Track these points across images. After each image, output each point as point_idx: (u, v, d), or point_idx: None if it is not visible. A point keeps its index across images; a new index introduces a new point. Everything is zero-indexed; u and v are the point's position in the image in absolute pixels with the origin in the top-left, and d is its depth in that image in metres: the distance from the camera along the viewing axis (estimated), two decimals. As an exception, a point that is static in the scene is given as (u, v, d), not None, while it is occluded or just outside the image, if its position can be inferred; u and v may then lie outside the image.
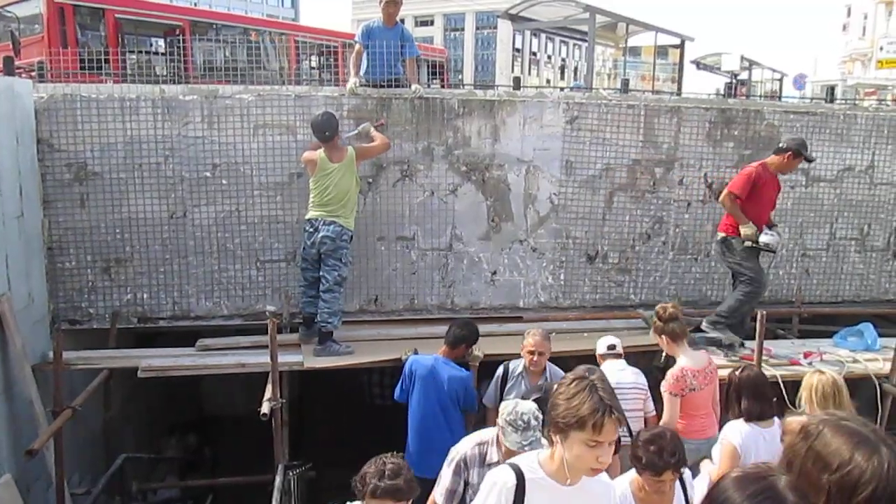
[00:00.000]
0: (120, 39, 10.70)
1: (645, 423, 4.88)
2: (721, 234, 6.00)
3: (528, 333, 5.15)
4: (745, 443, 3.99)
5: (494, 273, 6.71)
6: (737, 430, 4.06)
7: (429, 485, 4.67)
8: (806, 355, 6.04)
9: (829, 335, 6.60)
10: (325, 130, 5.69)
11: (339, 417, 8.61)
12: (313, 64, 12.66)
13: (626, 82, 8.66)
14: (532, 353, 5.00)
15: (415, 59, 6.71)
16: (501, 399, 5.05)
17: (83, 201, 6.01)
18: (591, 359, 6.47)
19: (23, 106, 5.62)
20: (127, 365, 5.78)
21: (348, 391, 8.25)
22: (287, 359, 5.55)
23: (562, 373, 5.22)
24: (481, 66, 54.70)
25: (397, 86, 6.43)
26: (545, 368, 5.12)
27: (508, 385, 5.19)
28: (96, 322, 6.21)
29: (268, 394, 4.92)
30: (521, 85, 7.98)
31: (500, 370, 5.30)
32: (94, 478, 5.92)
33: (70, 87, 5.99)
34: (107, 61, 7.38)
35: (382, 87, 6.38)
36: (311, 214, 5.77)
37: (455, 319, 5.83)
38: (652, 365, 5.80)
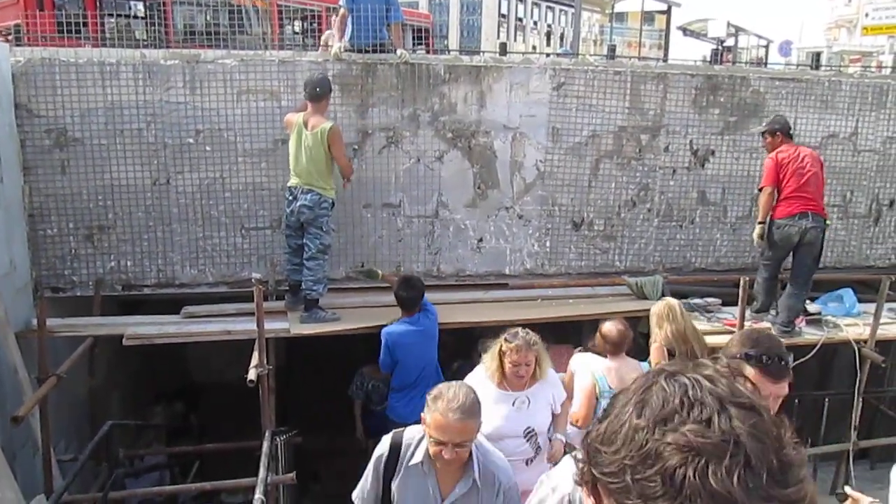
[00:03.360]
0: (98, 2, 10.48)
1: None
2: (827, 221, 5.84)
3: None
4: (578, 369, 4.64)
5: (480, 240, 6.72)
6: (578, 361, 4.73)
7: None
8: (788, 320, 6.13)
9: (811, 300, 6.67)
10: (317, 87, 5.57)
11: (325, 384, 8.65)
12: (297, 29, 12.45)
13: (612, 48, 8.64)
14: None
15: (400, 23, 6.62)
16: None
17: (64, 168, 5.93)
18: (575, 325, 6.57)
19: (-1, 70, 5.51)
20: (112, 332, 5.76)
21: (334, 358, 8.26)
22: (273, 326, 5.56)
23: (502, 460, 2.95)
24: (466, 31, 54.10)
25: (382, 51, 6.36)
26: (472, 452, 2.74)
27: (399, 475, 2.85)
28: (80, 289, 6.17)
29: (254, 361, 4.92)
30: (508, 51, 7.92)
31: (383, 447, 2.88)
32: (80, 445, 5.93)
33: (48, 52, 5.86)
34: (85, 25, 7.24)
35: (367, 52, 6.30)
36: (290, 182, 5.72)
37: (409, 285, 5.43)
38: (636, 331, 5.85)
